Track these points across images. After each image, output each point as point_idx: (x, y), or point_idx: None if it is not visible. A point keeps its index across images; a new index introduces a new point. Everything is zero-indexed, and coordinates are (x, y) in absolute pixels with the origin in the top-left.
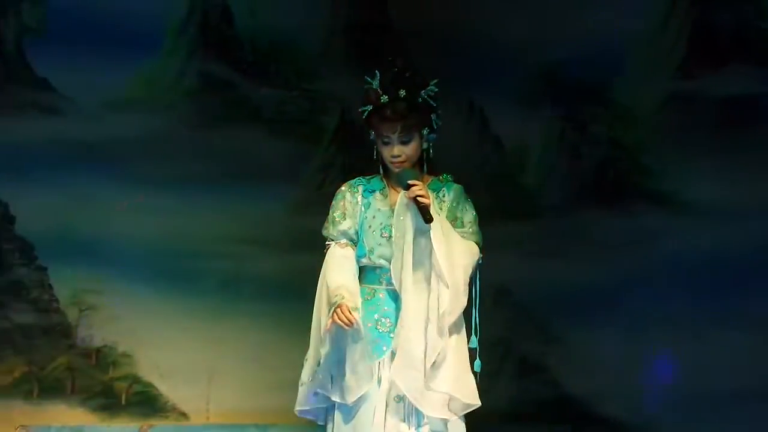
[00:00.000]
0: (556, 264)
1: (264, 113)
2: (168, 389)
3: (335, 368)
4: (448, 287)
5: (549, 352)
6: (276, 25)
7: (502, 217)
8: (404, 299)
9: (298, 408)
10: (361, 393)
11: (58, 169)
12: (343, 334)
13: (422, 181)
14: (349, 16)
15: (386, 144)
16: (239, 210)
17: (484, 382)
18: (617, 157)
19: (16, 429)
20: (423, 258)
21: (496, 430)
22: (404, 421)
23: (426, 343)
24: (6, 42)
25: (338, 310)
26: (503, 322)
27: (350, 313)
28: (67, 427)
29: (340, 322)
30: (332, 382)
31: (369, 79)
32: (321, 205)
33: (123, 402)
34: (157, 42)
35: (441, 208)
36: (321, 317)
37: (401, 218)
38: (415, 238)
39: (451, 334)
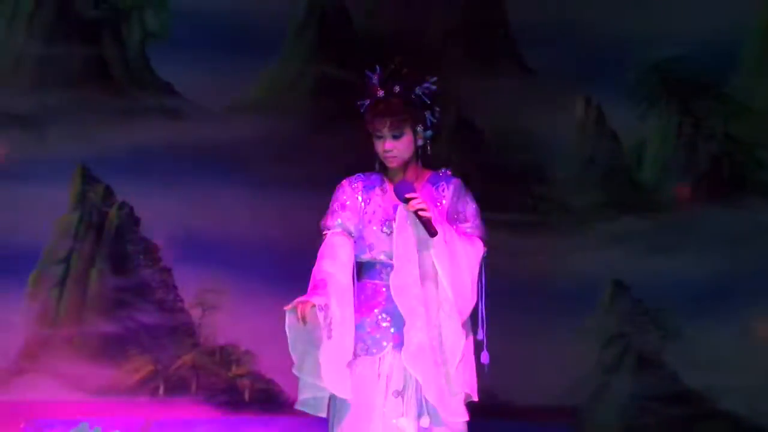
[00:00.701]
0: (672, 258)
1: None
2: (290, 386)
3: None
4: (456, 312)
5: (667, 347)
6: (393, 25)
7: (618, 212)
8: (413, 310)
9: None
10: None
11: (181, 172)
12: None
13: (421, 177)
14: (466, 15)
15: (379, 138)
16: None
17: (603, 378)
18: (732, 152)
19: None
20: (429, 267)
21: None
22: (403, 416)
23: (443, 349)
24: (130, 47)
25: (301, 305)
26: (621, 317)
27: (309, 311)
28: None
29: (296, 311)
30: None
31: (370, 74)
32: None
33: (246, 399)
34: (277, 45)
35: (440, 202)
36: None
37: (403, 233)
38: (419, 251)
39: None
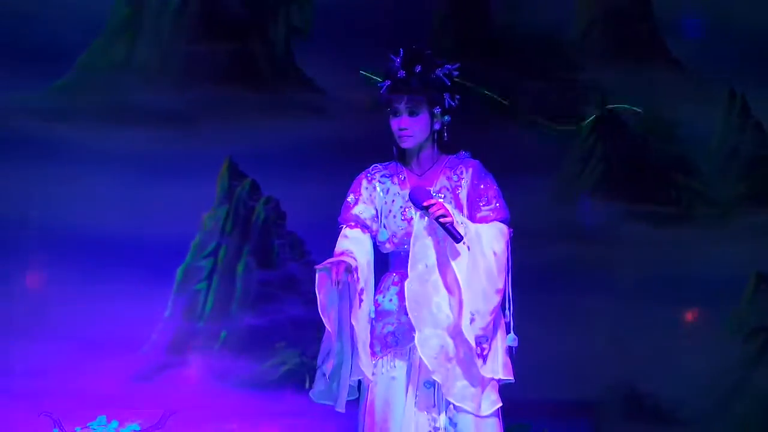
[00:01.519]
0: None
1: (522, 106)
2: None
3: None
4: (479, 316)
5: None
6: (534, 17)
7: (762, 204)
8: (434, 321)
9: (312, 391)
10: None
11: (325, 166)
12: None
13: (438, 161)
14: (608, 5)
15: (395, 115)
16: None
17: (744, 371)
18: None
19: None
20: (451, 275)
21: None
22: (434, 406)
23: (469, 351)
24: (275, 44)
25: (335, 265)
26: (763, 310)
27: (344, 271)
28: None
29: (327, 268)
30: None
31: (393, 57)
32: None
33: None
34: (421, 39)
35: (460, 186)
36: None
37: (419, 242)
38: (441, 261)
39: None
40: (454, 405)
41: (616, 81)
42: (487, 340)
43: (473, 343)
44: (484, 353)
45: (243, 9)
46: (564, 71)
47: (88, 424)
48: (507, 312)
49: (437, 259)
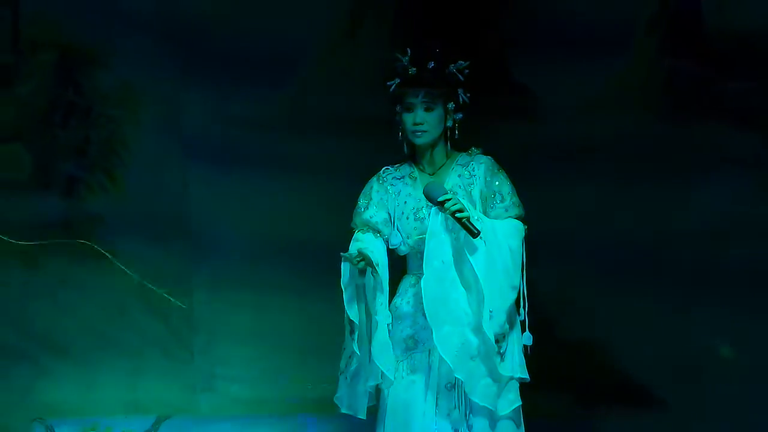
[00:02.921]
0: None
1: (728, 104)
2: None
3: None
4: (496, 311)
5: None
6: (744, 18)
7: None
8: (452, 318)
9: (336, 396)
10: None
11: (537, 170)
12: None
13: (450, 158)
14: None
15: (409, 111)
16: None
17: None
18: None
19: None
20: (467, 271)
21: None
22: (456, 408)
23: (488, 349)
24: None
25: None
26: None
27: (364, 261)
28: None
29: (350, 259)
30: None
31: (399, 56)
32: None
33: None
34: (628, 41)
35: (472, 183)
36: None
37: (436, 238)
38: (457, 258)
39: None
40: (471, 408)
41: None
42: (504, 338)
43: (493, 340)
44: (501, 351)
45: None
46: None
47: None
48: (522, 310)
49: (454, 256)
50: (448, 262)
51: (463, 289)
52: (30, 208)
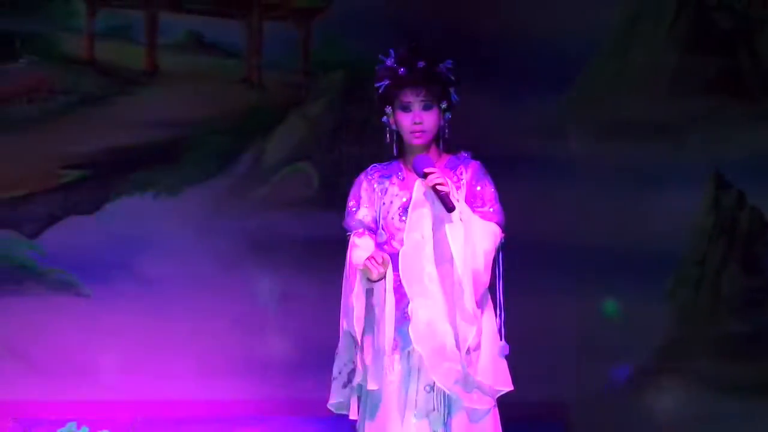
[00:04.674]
0: None
1: None
2: None
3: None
4: (470, 294)
5: None
6: None
7: None
8: (425, 292)
9: (330, 402)
10: (381, 381)
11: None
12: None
13: (439, 160)
14: None
15: (407, 111)
16: None
17: None
18: None
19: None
20: (446, 248)
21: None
22: (435, 410)
23: (457, 334)
24: (764, 56)
25: (373, 258)
26: None
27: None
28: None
29: (372, 265)
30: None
31: (383, 58)
32: None
33: None
34: None
35: (459, 187)
36: (350, 300)
37: (417, 209)
38: (435, 230)
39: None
40: (449, 411)
41: None
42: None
43: (469, 313)
44: (467, 344)
45: (733, 23)
46: None
47: (57, 431)
48: (498, 320)
49: (433, 230)
50: (428, 236)
51: (435, 265)
52: (315, 224)
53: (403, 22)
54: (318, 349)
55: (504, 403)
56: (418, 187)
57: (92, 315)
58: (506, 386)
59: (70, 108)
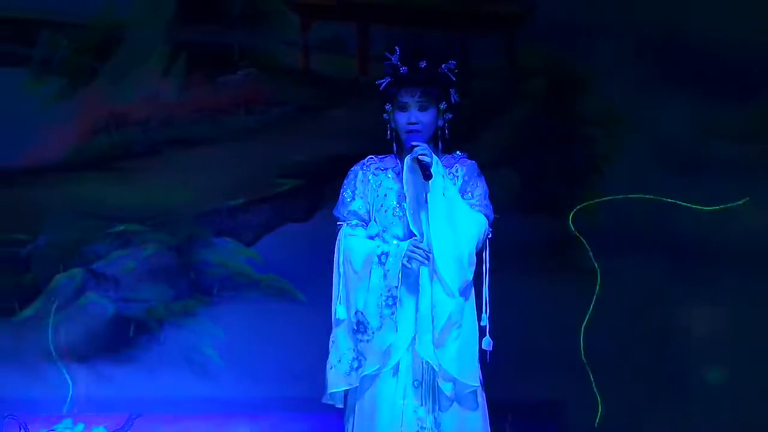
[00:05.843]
0: None
1: None
2: None
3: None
4: (446, 275)
5: None
6: None
7: None
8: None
9: (330, 390)
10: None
11: None
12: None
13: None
14: None
15: (403, 110)
16: None
17: None
18: None
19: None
20: (423, 216)
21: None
22: (423, 406)
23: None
24: None
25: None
26: None
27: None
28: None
29: (419, 256)
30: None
31: (388, 54)
32: None
33: None
34: None
35: (453, 184)
36: (349, 289)
37: (408, 182)
38: (414, 205)
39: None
40: (439, 405)
41: None
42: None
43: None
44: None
45: None
46: None
47: (52, 427)
48: (484, 315)
49: (415, 198)
50: (410, 205)
51: (418, 232)
52: (518, 228)
53: (611, 26)
54: None
55: (504, 403)
56: (406, 163)
57: (307, 320)
58: (473, 383)
59: (285, 118)
